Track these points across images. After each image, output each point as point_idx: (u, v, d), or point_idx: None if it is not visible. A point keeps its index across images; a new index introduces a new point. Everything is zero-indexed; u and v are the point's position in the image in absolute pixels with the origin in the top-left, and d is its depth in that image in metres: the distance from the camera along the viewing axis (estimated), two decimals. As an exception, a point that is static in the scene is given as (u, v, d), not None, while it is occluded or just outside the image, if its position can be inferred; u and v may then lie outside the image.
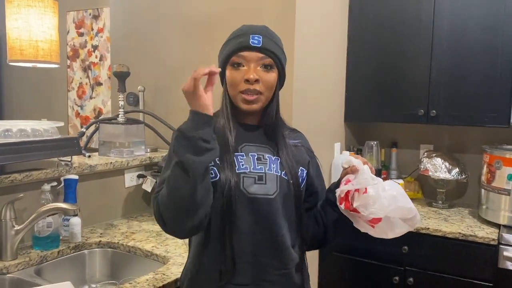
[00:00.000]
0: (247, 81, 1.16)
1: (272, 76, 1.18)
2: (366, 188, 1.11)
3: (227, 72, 1.20)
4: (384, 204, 1.09)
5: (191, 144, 1.05)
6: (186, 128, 1.06)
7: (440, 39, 2.33)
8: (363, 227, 1.17)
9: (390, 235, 1.17)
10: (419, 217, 1.15)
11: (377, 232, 1.16)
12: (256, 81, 1.16)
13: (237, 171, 1.17)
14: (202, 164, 1.06)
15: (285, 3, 2.11)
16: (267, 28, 1.23)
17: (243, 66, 1.17)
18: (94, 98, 4.03)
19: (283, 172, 1.21)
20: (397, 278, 2.15)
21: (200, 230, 1.16)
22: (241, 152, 1.21)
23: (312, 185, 1.30)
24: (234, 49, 1.18)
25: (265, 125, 1.25)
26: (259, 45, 1.16)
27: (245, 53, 1.17)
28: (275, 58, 1.18)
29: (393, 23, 2.47)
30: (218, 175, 1.16)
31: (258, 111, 1.23)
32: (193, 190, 1.07)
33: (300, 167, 1.25)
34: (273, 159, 1.22)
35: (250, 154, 1.21)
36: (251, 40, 1.17)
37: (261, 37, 1.18)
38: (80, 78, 4.09)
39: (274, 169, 1.20)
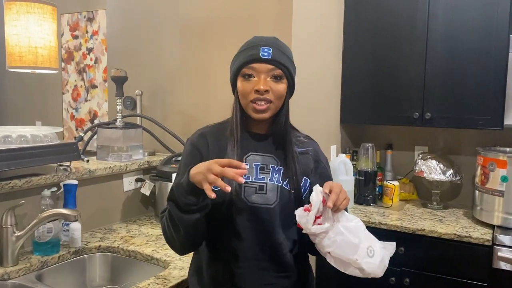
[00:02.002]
0: (257, 91, 1.19)
1: (282, 86, 1.22)
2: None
3: (239, 83, 1.23)
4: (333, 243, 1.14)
5: (179, 205, 1.13)
6: (178, 191, 1.13)
7: (434, 42, 2.37)
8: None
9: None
10: (369, 273, 1.18)
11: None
12: (266, 91, 1.20)
13: None
14: (189, 220, 1.14)
15: (282, 6, 2.13)
16: (277, 40, 1.27)
17: (254, 77, 1.21)
18: (89, 100, 4.03)
19: (284, 182, 1.24)
20: (393, 278, 2.18)
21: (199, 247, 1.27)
22: (245, 162, 1.25)
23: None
24: (245, 61, 1.22)
25: (273, 134, 1.28)
26: (269, 57, 1.20)
27: (256, 65, 1.20)
28: (285, 69, 1.21)
29: (388, 26, 2.50)
30: None
31: (268, 120, 1.26)
32: (184, 237, 1.18)
33: (304, 177, 1.28)
34: (277, 169, 1.25)
35: (254, 163, 1.25)
36: (261, 53, 1.20)
37: (271, 49, 1.21)
38: (75, 80, 4.09)
39: (276, 180, 1.24)
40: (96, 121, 3.95)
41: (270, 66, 1.20)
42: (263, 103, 1.20)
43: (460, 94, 2.32)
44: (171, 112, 2.51)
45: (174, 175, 1.92)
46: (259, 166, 1.25)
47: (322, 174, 1.34)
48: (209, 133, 1.32)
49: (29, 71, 1.85)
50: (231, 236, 1.22)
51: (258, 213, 1.21)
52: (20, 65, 1.73)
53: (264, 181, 1.23)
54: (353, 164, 2.57)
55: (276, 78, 1.21)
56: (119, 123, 2.20)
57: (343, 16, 2.63)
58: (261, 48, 1.21)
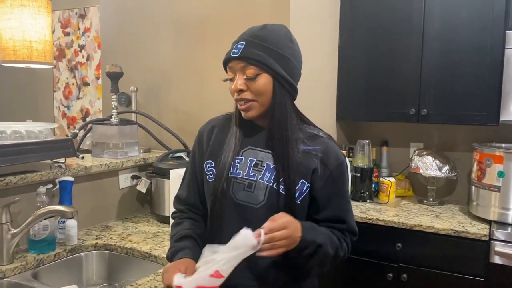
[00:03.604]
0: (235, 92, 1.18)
1: (260, 82, 1.15)
2: None
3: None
4: None
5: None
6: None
7: (430, 39, 2.37)
8: None
9: None
10: None
11: None
12: (241, 91, 1.16)
13: (229, 175, 1.20)
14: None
15: (279, 3, 2.12)
16: (261, 30, 1.18)
17: (235, 76, 1.18)
18: (81, 98, 3.98)
19: (276, 183, 1.17)
20: (391, 274, 2.18)
21: None
22: (241, 156, 1.22)
23: (314, 199, 1.22)
24: (224, 61, 1.20)
25: (269, 130, 1.21)
26: (238, 55, 1.14)
27: (231, 64, 1.18)
28: (258, 63, 1.13)
29: (384, 23, 2.49)
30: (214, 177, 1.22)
31: (263, 115, 1.20)
32: None
33: (301, 180, 1.19)
34: (271, 167, 1.19)
35: (249, 159, 1.21)
36: (232, 51, 1.16)
37: (244, 43, 1.15)
38: (67, 78, 4.04)
39: (267, 179, 1.18)
40: (88, 119, 3.91)
41: (242, 63, 1.15)
42: (243, 102, 1.17)
43: (456, 90, 2.33)
44: (166, 109, 2.49)
45: (171, 171, 1.90)
46: (254, 162, 1.20)
47: (327, 178, 1.21)
48: (218, 125, 1.31)
49: (23, 65, 1.81)
50: (217, 231, 1.20)
51: (243, 211, 1.17)
52: (14, 60, 1.69)
53: (254, 179, 1.18)
54: (349, 161, 2.57)
55: (250, 76, 1.15)
56: (114, 119, 2.17)
57: (338, 13, 2.63)
58: (235, 44, 1.17)
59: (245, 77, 1.15)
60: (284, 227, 1.05)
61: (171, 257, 1.21)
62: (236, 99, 1.19)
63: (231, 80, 1.19)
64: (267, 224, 1.04)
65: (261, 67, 1.14)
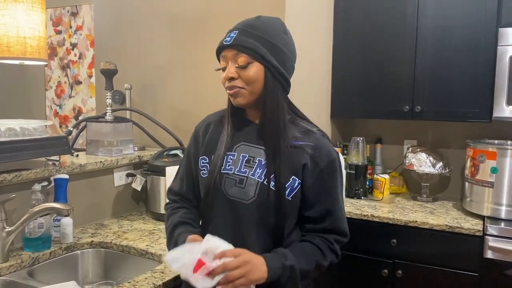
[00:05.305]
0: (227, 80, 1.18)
1: (251, 70, 1.14)
2: None
3: None
4: None
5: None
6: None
7: (424, 36, 2.39)
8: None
9: None
10: None
11: None
12: (232, 78, 1.16)
13: (221, 171, 1.20)
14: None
15: (275, 2, 2.13)
16: (255, 20, 1.19)
17: (227, 65, 1.18)
18: (74, 97, 3.95)
19: (266, 179, 1.16)
20: (386, 271, 2.19)
21: None
22: (233, 152, 1.22)
23: (305, 196, 1.20)
24: (217, 50, 1.20)
25: (261, 123, 1.22)
26: (230, 42, 1.15)
27: (223, 53, 1.18)
28: (250, 51, 1.13)
29: (378, 21, 2.51)
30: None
31: (254, 107, 1.22)
32: None
33: (293, 176, 1.17)
34: (263, 163, 1.18)
35: (242, 154, 1.21)
36: (225, 39, 1.17)
37: (236, 32, 1.16)
38: (59, 76, 4.00)
39: (258, 175, 1.17)
40: (80, 118, 3.88)
41: (234, 51, 1.15)
42: (232, 88, 1.17)
43: (449, 87, 2.35)
44: (161, 106, 2.48)
45: (167, 169, 1.89)
46: (246, 158, 1.20)
47: (319, 181, 1.19)
48: (214, 121, 1.32)
49: (17, 62, 1.80)
50: (209, 226, 1.22)
51: (234, 207, 1.18)
52: (8, 56, 1.68)
53: (246, 175, 1.18)
54: (343, 158, 2.58)
55: (242, 64, 1.14)
56: (109, 117, 2.16)
57: (333, 11, 2.64)
58: (229, 33, 1.18)
59: (236, 65, 1.15)
60: (239, 265, 1.04)
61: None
62: (227, 87, 1.19)
63: (224, 70, 1.19)
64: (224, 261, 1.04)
65: (252, 55, 1.13)
